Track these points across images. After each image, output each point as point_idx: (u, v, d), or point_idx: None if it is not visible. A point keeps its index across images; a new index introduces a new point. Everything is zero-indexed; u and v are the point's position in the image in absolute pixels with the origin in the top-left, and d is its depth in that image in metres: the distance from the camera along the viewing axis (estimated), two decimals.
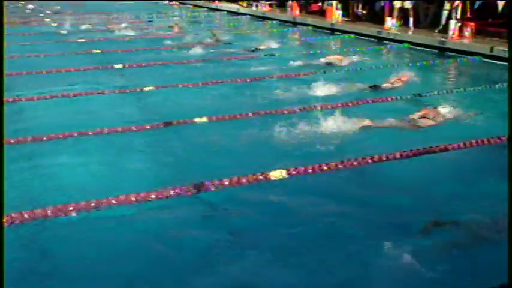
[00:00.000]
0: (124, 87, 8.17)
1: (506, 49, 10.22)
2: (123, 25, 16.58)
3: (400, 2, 13.72)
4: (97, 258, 3.51)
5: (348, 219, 4.00)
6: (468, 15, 11.95)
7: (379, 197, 4.41)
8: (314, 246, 3.65)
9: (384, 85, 7.93)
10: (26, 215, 3.80)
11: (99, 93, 7.76)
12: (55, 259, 3.54)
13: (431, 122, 6.22)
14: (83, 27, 16.42)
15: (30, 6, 24.19)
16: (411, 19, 13.66)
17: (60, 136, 5.67)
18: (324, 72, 9.09)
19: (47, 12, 21.51)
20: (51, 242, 3.72)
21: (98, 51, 11.56)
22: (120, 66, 9.81)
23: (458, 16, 12.04)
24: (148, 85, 8.09)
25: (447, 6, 12.54)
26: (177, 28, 15.60)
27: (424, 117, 6.31)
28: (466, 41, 11.54)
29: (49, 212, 3.88)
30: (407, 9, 13.74)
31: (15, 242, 3.57)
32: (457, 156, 5.23)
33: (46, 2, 26.04)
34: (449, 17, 12.41)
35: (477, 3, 11.50)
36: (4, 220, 3.45)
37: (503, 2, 10.85)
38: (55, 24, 17.08)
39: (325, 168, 4.70)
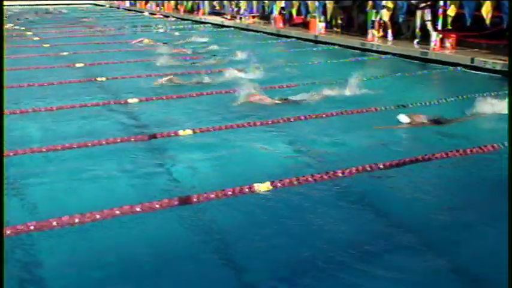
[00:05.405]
0: (108, 100, 8.13)
1: (486, 60, 10.40)
2: (107, 38, 16.55)
3: (375, 14, 13.88)
4: (81, 272, 3.47)
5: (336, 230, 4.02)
6: (448, 26, 12.14)
7: (364, 208, 4.43)
8: (302, 256, 3.65)
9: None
10: (8, 231, 3.75)
11: (82, 106, 7.71)
12: (38, 272, 3.49)
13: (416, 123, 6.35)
14: (66, 40, 16.35)
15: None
16: (389, 31, 13.82)
17: (44, 150, 5.62)
18: (313, 84, 9.13)
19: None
20: (33, 257, 3.66)
21: (81, 64, 11.51)
22: (103, 78, 9.78)
23: (439, 27, 12.22)
24: (132, 97, 8.05)
25: (429, 17, 12.70)
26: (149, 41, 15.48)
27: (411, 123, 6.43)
28: (447, 52, 11.71)
29: (31, 227, 3.83)
30: (385, 21, 13.89)
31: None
32: (440, 166, 5.28)
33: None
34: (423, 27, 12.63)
35: (468, 19, 11.67)
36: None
37: (489, 15, 11.03)
38: (37, 38, 16.99)
39: (310, 179, 4.72)
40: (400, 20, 13.80)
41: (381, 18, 13.91)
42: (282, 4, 18.31)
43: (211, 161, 5.58)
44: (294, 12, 17.74)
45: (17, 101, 7.92)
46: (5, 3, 31.04)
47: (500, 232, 3.57)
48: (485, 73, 10.18)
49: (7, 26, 21.97)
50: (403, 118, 6.45)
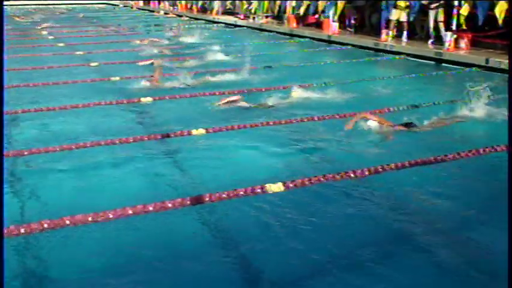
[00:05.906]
0: (121, 99, 8.17)
1: (501, 60, 10.30)
2: (120, 38, 16.61)
3: (395, 14, 13.75)
4: (94, 271, 3.49)
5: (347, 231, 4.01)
6: (463, 26, 12.04)
7: (376, 209, 4.42)
8: (313, 257, 3.64)
9: None
10: (22, 229, 3.79)
11: (95, 105, 7.76)
12: (50, 271, 3.52)
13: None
14: (80, 39, 16.46)
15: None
16: (405, 32, 13.68)
17: (57, 149, 5.66)
18: (325, 84, 9.10)
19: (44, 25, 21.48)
20: (47, 255, 3.70)
21: (96, 63, 11.58)
22: (117, 78, 9.83)
23: (454, 27, 12.12)
24: (145, 97, 8.09)
25: (441, 17, 12.62)
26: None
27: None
28: (461, 52, 11.62)
29: (45, 225, 3.86)
30: (401, 21, 13.76)
31: (10, 254, 3.56)
32: (455, 166, 5.24)
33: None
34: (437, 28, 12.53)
35: (480, 19, 11.59)
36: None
37: (502, 14, 10.94)
38: (52, 37, 17.12)
39: (322, 180, 4.70)
40: (411, 19, 13.70)
41: (398, 19, 13.79)
42: (293, 4, 18.29)
43: (224, 160, 5.60)
44: (302, 11, 17.71)
45: (32, 100, 8.00)
46: (12, 2, 31.30)
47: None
48: (501, 73, 10.07)
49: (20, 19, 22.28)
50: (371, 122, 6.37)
